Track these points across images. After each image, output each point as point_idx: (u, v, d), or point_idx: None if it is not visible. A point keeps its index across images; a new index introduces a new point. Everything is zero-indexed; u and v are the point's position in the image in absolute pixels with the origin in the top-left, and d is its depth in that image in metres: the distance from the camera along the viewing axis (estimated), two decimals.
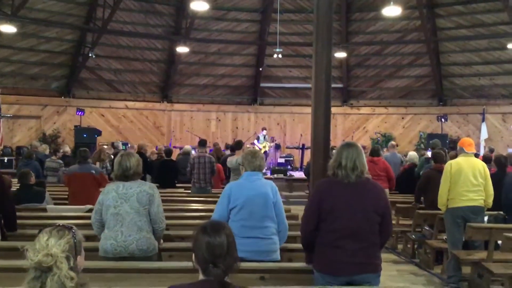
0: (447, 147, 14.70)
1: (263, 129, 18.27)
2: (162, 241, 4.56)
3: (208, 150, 11.64)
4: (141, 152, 10.75)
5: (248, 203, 4.15)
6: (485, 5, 16.74)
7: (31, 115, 17.93)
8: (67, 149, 12.87)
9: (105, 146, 14.30)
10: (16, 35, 15.85)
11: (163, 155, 11.22)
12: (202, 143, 9.84)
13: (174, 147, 16.65)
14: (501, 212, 6.53)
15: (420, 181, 7.83)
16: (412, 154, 10.33)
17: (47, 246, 2.11)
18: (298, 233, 5.24)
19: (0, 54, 16.75)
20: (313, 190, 3.69)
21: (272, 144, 18.07)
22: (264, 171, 13.89)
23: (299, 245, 4.78)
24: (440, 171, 6.56)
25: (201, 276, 2.36)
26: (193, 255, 2.37)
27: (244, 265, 3.73)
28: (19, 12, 15.26)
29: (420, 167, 9.35)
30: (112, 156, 10.76)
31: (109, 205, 4.11)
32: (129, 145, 14.86)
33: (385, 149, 12.85)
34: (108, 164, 9.86)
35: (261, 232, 4.13)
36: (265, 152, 17.35)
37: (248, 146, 14.52)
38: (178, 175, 10.49)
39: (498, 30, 16.96)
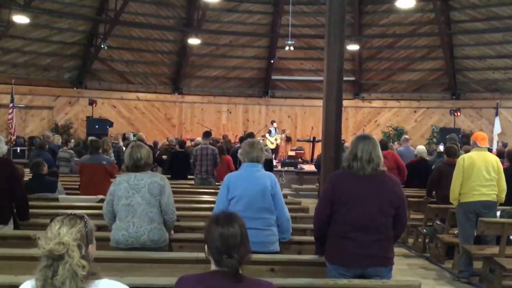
0: (460, 141, 14.59)
1: (273, 122, 18.24)
2: (172, 231, 4.59)
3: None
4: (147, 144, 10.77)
5: (246, 194, 4.15)
6: None
7: (44, 105, 18.06)
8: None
9: (112, 136, 14.34)
10: (28, 26, 15.93)
11: (174, 146, 11.25)
12: (206, 134, 9.85)
13: (185, 139, 16.68)
14: None
15: (432, 175, 7.78)
16: (421, 148, 10.23)
17: (59, 234, 2.12)
18: (308, 225, 5.27)
19: (13, 45, 16.85)
20: (327, 181, 3.67)
21: (283, 136, 18.03)
22: (274, 163, 14.00)
23: (309, 238, 4.79)
24: (452, 165, 6.51)
25: (213, 267, 2.35)
26: (206, 246, 2.37)
27: (254, 256, 3.73)
28: (32, 3, 15.32)
29: (433, 162, 9.28)
30: (124, 148, 10.81)
31: (121, 196, 4.12)
32: (136, 134, 14.85)
33: (396, 143, 12.76)
34: (112, 155, 9.91)
35: (259, 223, 4.12)
36: (276, 145, 17.35)
37: (259, 139, 14.51)
38: (189, 168, 10.51)
39: None
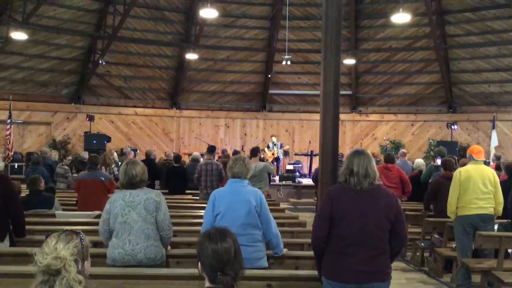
0: (457, 154, 14.60)
1: (272, 136, 18.27)
2: (169, 247, 4.57)
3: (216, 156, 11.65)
4: (150, 159, 10.77)
5: (230, 210, 4.16)
6: (495, 12, 16.66)
7: (42, 121, 18.07)
8: (86, 155, 12.90)
9: (114, 152, 14.34)
10: (27, 42, 16.02)
11: (172, 161, 11.24)
12: (210, 150, 9.90)
13: (183, 153, 16.69)
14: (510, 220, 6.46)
15: (429, 189, 7.78)
16: (419, 161, 10.28)
17: (56, 249, 2.12)
18: (305, 240, 5.25)
19: (11, 61, 16.92)
20: (325, 196, 3.67)
21: (281, 150, 18.04)
22: (272, 177, 13.97)
23: (306, 253, 4.77)
24: (449, 179, 6.52)
25: (207, 284, 2.34)
26: (199, 263, 2.35)
27: (250, 272, 3.73)
28: (30, 20, 15.42)
29: (426, 174, 9.28)
30: (120, 163, 10.80)
31: (117, 213, 4.11)
32: (138, 151, 14.90)
33: None
34: (115, 169, 9.89)
35: (244, 240, 4.04)
36: (274, 159, 17.35)
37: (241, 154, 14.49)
38: (188, 181, 10.50)
39: (508, 37, 16.85)
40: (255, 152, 9.51)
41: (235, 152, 10.54)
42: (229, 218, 4.12)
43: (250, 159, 9.90)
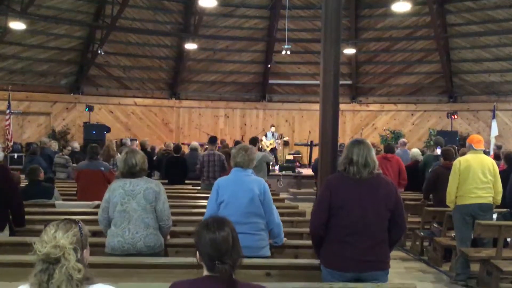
0: (457, 144, 14.60)
1: (271, 126, 18.27)
2: (168, 236, 4.58)
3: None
4: (144, 149, 10.75)
5: (233, 199, 4.18)
6: (496, 0, 16.60)
7: (41, 111, 18.06)
8: (76, 145, 12.93)
9: (114, 142, 14.35)
10: (25, 32, 15.97)
11: (171, 151, 11.23)
12: (212, 140, 9.91)
13: (183, 143, 16.67)
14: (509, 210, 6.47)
15: (428, 178, 7.78)
16: (415, 151, 10.25)
17: (55, 238, 2.12)
18: (304, 229, 5.26)
19: (10, 51, 16.87)
20: (324, 185, 3.66)
21: (279, 141, 18.04)
22: (271, 168, 13.97)
23: (305, 242, 4.78)
24: (448, 168, 6.52)
25: (205, 272, 2.34)
26: (197, 252, 2.36)
27: (249, 261, 3.74)
28: (29, 9, 15.35)
29: (425, 163, 9.26)
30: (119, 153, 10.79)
31: (116, 202, 4.11)
32: (137, 142, 14.87)
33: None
34: (118, 160, 9.87)
35: (247, 228, 4.11)
36: (272, 149, 17.34)
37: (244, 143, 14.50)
38: (188, 171, 10.51)
39: (508, 26, 16.79)
40: (253, 142, 9.53)
41: (237, 142, 10.51)
42: (232, 207, 4.14)
43: None
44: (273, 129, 17.95)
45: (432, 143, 17.29)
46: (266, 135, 17.80)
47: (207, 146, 10.90)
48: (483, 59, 18.12)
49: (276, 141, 17.84)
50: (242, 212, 4.14)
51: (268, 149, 16.99)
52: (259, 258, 4.09)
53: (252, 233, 4.15)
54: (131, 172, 4.20)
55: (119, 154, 10.98)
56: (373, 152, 3.60)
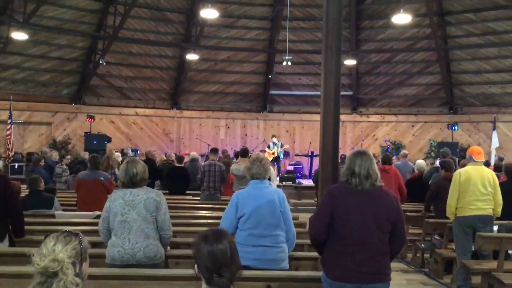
0: (458, 155, 14.59)
1: (273, 136, 18.26)
2: (169, 247, 4.56)
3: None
4: (149, 159, 10.76)
5: (256, 212, 4.11)
6: (496, 13, 16.66)
7: (42, 121, 18.08)
8: (86, 156, 12.88)
9: (116, 153, 14.33)
10: (27, 42, 16.03)
11: (173, 161, 11.22)
12: (214, 151, 9.91)
13: (184, 154, 16.66)
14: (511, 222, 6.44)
15: (430, 190, 7.76)
16: (421, 162, 10.24)
17: (54, 251, 2.11)
18: (306, 241, 5.24)
19: (12, 61, 16.93)
20: (326, 194, 3.65)
21: (281, 150, 18.00)
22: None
23: (306, 253, 4.76)
24: (450, 180, 6.50)
25: (204, 286, 2.33)
26: (195, 264, 2.35)
27: (250, 273, 3.72)
28: (31, 20, 15.42)
29: (427, 175, 9.25)
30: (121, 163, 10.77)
31: (117, 212, 4.10)
32: (138, 152, 14.90)
33: (394, 158, 12.74)
34: (116, 170, 9.87)
35: (270, 241, 4.09)
36: (274, 158, 17.29)
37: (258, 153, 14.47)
38: (189, 182, 10.50)
39: (509, 38, 16.86)
40: (245, 152, 9.39)
41: (240, 153, 10.44)
42: (255, 220, 4.09)
43: (237, 158, 9.88)
44: (275, 139, 17.93)
45: (433, 154, 17.41)
46: (269, 146, 17.76)
47: (208, 156, 10.90)
48: (483, 70, 18.17)
49: (279, 150, 17.80)
50: (265, 224, 4.10)
51: (270, 157, 16.94)
52: (280, 270, 4.06)
53: (274, 246, 4.12)
54: (132, 182, 4.19)
55: (117, 165, 10.98)
56: (375, 164, 3.60)
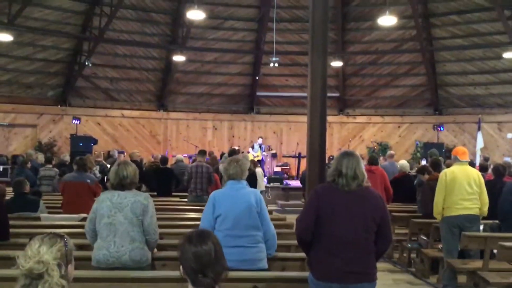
0: (443, 156, 14.72)
1: (259, 138, 18.27)
2: (156, 250, 4.54)
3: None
4: (134, 160, 10.71)
5: (231, 212, 4.12)
6: (480, 14, 16.85)
7: (27, 123, 17.89)
8: (67, 158, 12.79)
9: (96, 153, 14.24)
10: (12, 44, 15.85)
11: (159, 163, 11.19)
12: (202, 152, 9.91)
13: (171, 156, 16.60)
14: (497, 221, 6.51)
15: (424, 193, 7.73)
16: (403, 162, 10.26)
17: (39, 253, 2.09)
18: (293, 242, 5.24)
19: None
20: (312, 193, 3.66)
21: (266, 153, 18.02)
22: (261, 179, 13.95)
23: (293, 254, 4.77)
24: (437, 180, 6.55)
25: (189, 286, 2.33)
26: (180, 266, 2.34)
27: (236, 274, 3.71)
28: (16, 21, 15.26)
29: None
30: (108, 166, 10.71)
31: (103, 214, 4.07)
32: (124, 154, 14.82)
33: (381, 158, 12.82)
34: (96, 172, 9.83)
35: (247, 241, 4.09)
36: (258, 161, 17.30)
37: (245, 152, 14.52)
38: (176, 183, 10.47)
39: (493, 40, 17.05)
40: (234, 152, 9.43)
41: (229, 154, 10.47)
42: (231, 220, 4.10)
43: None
44: (260, 140, 17.94)
45: (419, 155, 17.55)
46: (252, 147, 17.78)
47: (195, 158, 10.88)
48: (468, 72, 18.36)
49: (264, 153, 17.82)
50: (241, 225, 4.10)
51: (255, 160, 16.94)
52: (258, 271, 4.06)
53: (251, 246, 4.13)
54: (121, 184, 4.16)
55: (99, 166, 10.90)
56: (362, 165, 3.62)
